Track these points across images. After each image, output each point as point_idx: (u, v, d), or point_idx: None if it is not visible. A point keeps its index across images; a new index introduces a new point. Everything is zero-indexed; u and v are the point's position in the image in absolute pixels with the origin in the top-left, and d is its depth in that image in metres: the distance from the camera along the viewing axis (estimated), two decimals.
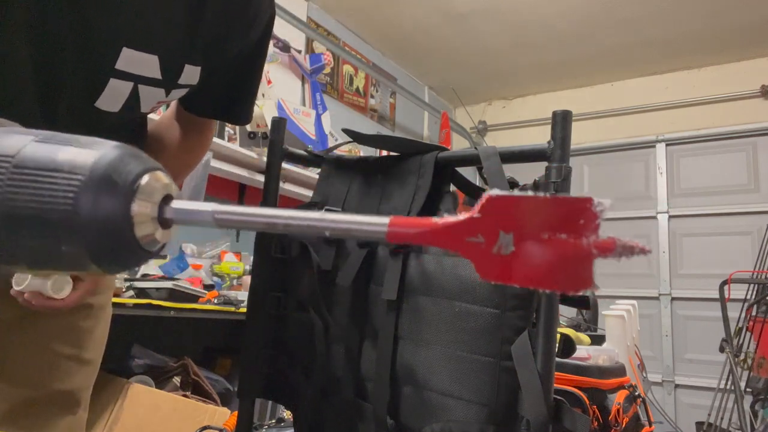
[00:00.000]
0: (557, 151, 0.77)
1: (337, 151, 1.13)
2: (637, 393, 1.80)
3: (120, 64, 0.71)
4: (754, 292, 3.09)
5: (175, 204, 0.36)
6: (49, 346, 0.83)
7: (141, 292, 1.95)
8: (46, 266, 0.37)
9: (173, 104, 0.95)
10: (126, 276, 2.06)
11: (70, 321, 0.85)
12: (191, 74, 0.79)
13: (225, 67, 0.85)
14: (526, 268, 0.32)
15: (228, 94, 0.90)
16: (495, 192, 0.33)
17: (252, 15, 0.83)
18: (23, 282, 0.74)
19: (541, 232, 0.32)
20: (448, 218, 0.34)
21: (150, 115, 0.89)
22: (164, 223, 0.36)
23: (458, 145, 4.78)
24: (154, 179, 0.35)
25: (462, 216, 0.33)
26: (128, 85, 0.73)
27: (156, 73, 0.74)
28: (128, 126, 0.84)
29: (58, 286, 0.76)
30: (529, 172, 0.80)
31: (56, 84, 0.70)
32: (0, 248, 0.34)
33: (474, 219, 0.33)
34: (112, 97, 0.73)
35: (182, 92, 0.81)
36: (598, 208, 0.30)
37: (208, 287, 2.29)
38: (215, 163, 2.47)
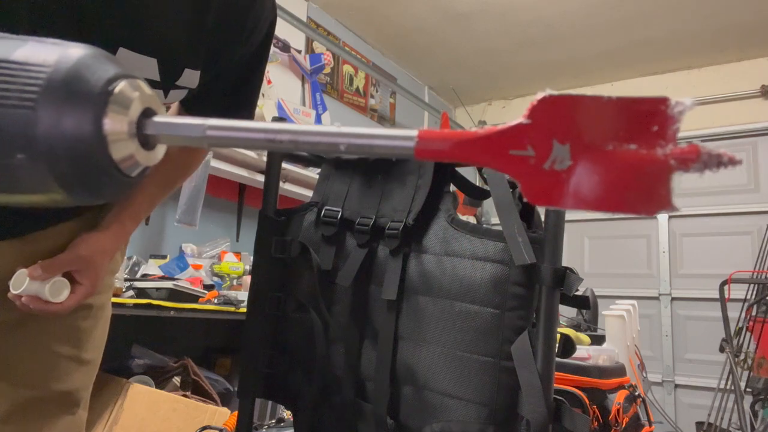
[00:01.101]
0: None
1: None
2: (637, 393, 1.80)
3: None
4: (754, 292, 3.09)
5: (159, 118, 0.30)
6: (48, 346, 0.83)
7: (141, 292, 1.95)
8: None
9: (174, 107, 0.95)
10: (126, 276, 2.06)
11: (69, 321, 0.85)
12: (190, 78, 0.79)
13: (226, 72, 0.85)
14: (585, 187, 0.26)
15: (229, 98, 0.90)
16: (546, 93, 0.26)
17: (254, 20, 0.83)
18: (20, 286, 0.72)
19: (604, 142, 0.25)
20: (489, 127, 0.27)
21: None
22: (145, 141, 0.29)
23: None
24: (132, 87, 0.29)
25: (507, 124, 0.27)
26: None
27: (154, 75, 0.74)
28: None
29: (56, 291, 0.75)
30: None
31: None
32: None
33: (522, 126, 0.26)
34: None
35: (181, 94, 0.81)
36: (676, 109, 0.24)
37: (208, 287, 2.29)
38: (215, 163, 2.47)
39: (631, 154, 0.25)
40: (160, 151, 0.31)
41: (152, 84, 0.75)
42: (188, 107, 0.91)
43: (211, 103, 0.90)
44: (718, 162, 0.25)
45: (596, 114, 0.26)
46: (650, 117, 0.25)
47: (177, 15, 0.74)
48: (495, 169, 0.27)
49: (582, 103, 0.26)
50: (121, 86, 0.28)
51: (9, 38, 0.29)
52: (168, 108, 0.95)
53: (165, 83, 0.76)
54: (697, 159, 0.25)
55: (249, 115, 0.94)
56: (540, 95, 0.26)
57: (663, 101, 0.25)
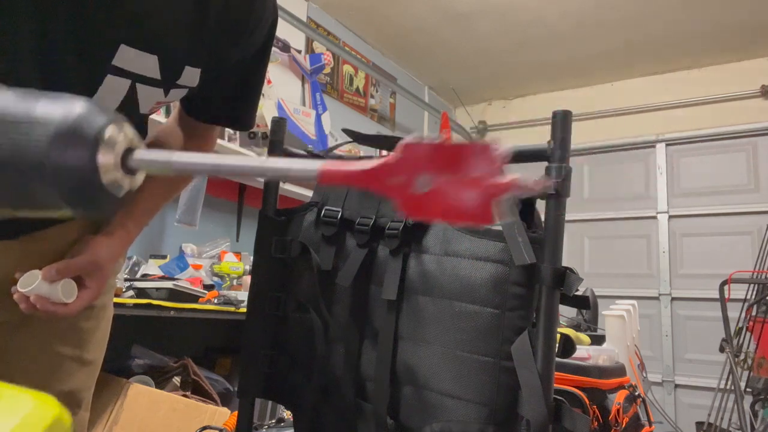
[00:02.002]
0: (557, 151, 0.77)
1: (337, 151, 1.13)
2: (637, 393, 1.80)
3: (117, 61, 0.71)
4: (754, 292, 3.09)
5: (138, 154, 0.42)
6: (50, 346, 0.83)
7: (141, 292, 1.95)
8: (23, 205, 0.43)
9: (176, 110, 0.95)
10: (126, 276, 2.07)
11: (71, 322, 0.85)
12: (191, 76, 0.79)
13: (227, 72, 0.85)
14: (439, 204, 0.37)
15: (230, 100, 0.90)
16: (410, 138, 0.38)
17: (255, 20, 0.83)
18: (29, 285, 0.70)
19: (452, 172, 0.37)
20: (370, 162, 0.39)
21: (156, 118, 0.89)
22: (129, 170, 0.42)
23: None
24: (118, 130, 0.41)
25: (382, 160, 0.39)
26: (126, 83, 0.74)
27: (155, 72, 0.74)
28: None
29: (67, 292, 0.73)
30: (529, 173, 0.80)
31: (57, 78, 0.70)
32: None
33: (393, 162, 0.38)
34: (110, 93, 0.73)
35: (182, 93, 0.81)
36: (498, 152, 0.37)
37: (208, 287, 2.29)
38: None
39: (469, 182, 0.37)
40: (140, 177, 0.43)
41: (153, 82, 0.75)
42: (189, 109, 0.91)
43: (213, 106, 0.90)
44: (530, 189, 0.37)
45: (446, 153, 0.37)
46: (480, 157, 0.36)
47: (178, 13, 0.74)
48: (377, 192, 0.39)
49: (436, 145, 0.37)
50: (110, 132, 0.40)
51: (26, 95, 0.41)
52: (167, 108, 0.95)
53: (165, 81, 0.76)
54: (512, 188, 0.36)
55: (250, 119, 0.94)
56: (405, 140, 0.38)
57: (486, 147, 0.36)
